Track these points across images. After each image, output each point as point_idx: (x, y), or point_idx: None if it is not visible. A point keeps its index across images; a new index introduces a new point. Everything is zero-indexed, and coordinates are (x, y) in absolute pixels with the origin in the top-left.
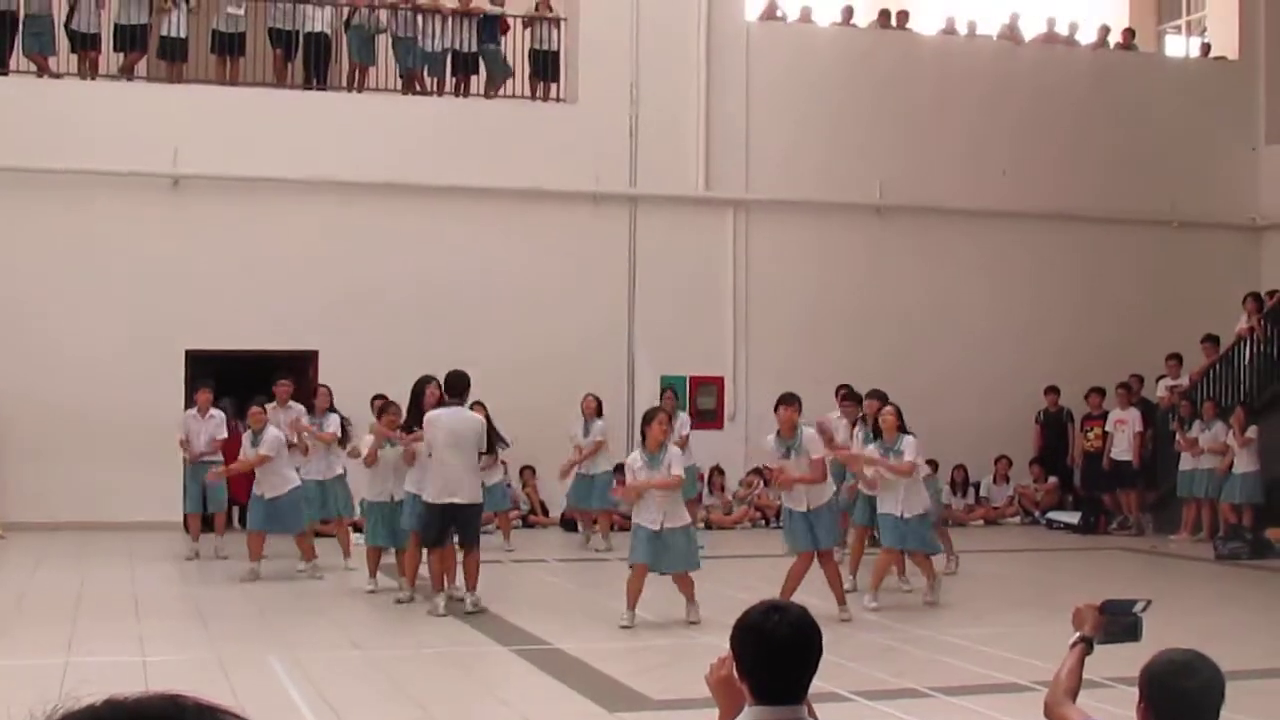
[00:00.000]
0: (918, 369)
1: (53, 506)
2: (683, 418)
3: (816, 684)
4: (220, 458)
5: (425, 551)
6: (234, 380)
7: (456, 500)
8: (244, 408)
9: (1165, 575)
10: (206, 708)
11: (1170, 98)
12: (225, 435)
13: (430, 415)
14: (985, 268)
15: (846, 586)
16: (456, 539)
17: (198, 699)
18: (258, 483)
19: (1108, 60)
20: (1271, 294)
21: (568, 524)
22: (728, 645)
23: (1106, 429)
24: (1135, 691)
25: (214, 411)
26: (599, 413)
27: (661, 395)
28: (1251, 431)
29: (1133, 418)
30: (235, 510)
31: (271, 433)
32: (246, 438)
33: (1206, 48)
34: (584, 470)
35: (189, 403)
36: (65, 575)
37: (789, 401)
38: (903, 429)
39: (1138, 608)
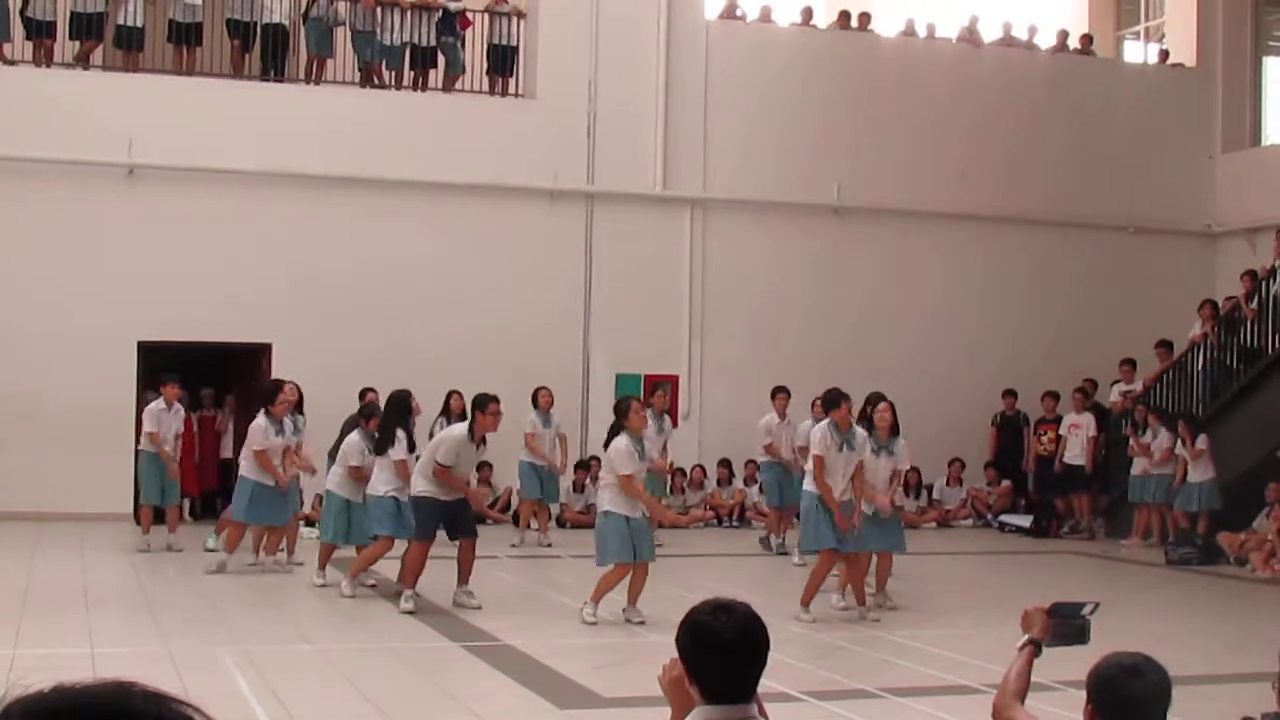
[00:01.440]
0: (872, 370)
1: (2, 497)
2: (668, 423)
3: (766, 683)
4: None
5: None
6: (186, 372)
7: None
8: (219, 399)
9: (1116, 580)
10: (154, 695)
11: (1128, 104)
12: (182, 428)
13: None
14: (942, 269)
15: (825, 588)
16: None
17: (145, 686)
18: (248, 467)
19: (1066, 65)
20: (1230, 299)
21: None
22: (675, 645)
23: (1060, 433)
24: (1083, 694)
25: (178, 406)
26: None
27: (653, 394)
28: (1201, 442)
29: (1086, 422)
30: (187, 504)
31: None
32: (266, 424)
33: (1165, 54)
34: (539, 461)
35: (141, 393)
36: (14, 566)
37: (844, 399)
38: (897, 429)
39: (1086, 611)
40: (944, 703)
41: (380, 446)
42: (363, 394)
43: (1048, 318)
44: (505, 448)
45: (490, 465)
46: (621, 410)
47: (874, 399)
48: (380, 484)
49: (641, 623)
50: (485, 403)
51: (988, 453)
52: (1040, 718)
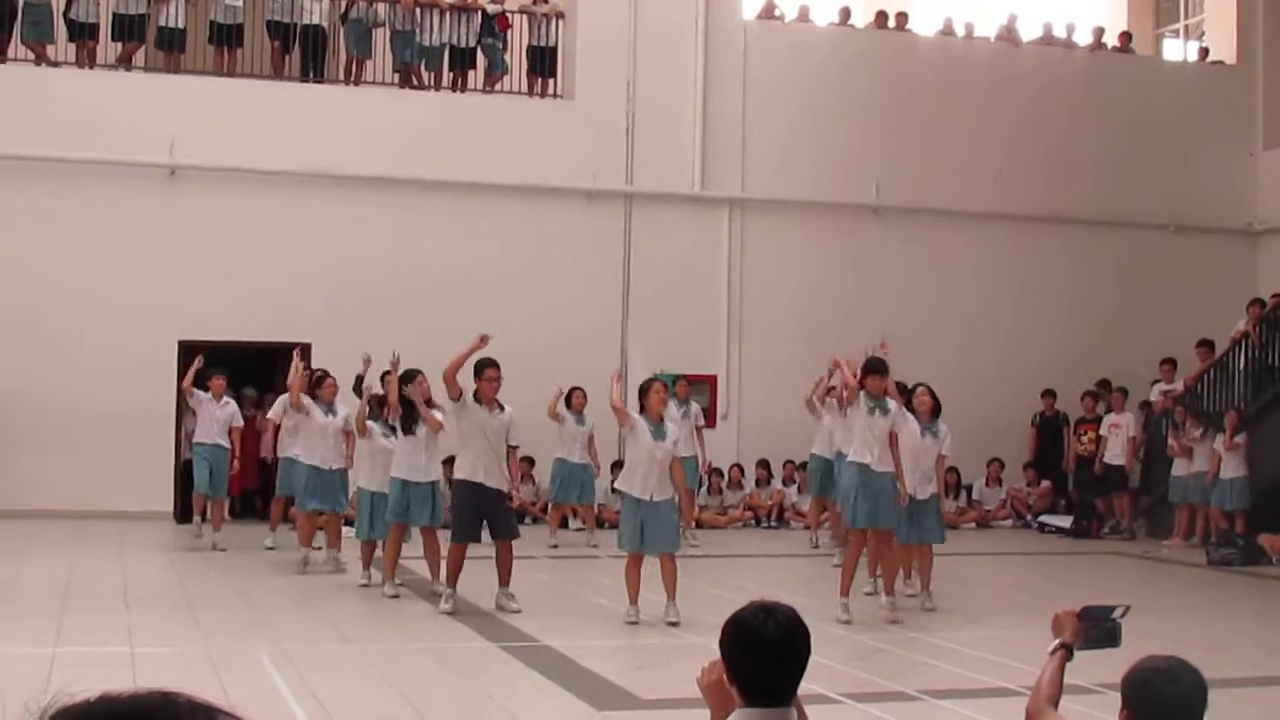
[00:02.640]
0: (911, 370)
1: (43, 495)
2: (696, 408)
3: (805, 686)
4: (228, 444)
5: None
6: (227, 371)
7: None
8: (259, 399)
9: (1157, 581)
10: (201, 706)
11: (1167, 101)
12: (241, 424)
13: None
14: (981, 269)
15: (867, 589)
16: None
17: (191, 697)
18: (309, 452)
19: (1105, 63)
20: (1275, 296)
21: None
22: (718, 646)
23: (1101, 433)
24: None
25: (227, 399)
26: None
27: (674, 384)
28: (1240, 437)
29: (1127, 422)
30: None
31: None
32: (310, 403)
33: (1204, 52)
34: (574, 459)
35: (181, 393)
36: (54, 564)
37: (881, 370)
38: (938, 411)
39: (1117, 614)
40: (983, 705)
41: (407, 426)
42: (382, 377)
43: (1087, 317)
44: (542, 444)
45: (531, 460)
46: (641, 390)
47: (914, 387)
48: (393, 467)
49: (675, 624)
50: (482, 368)
51: (1027, 453)
52: None
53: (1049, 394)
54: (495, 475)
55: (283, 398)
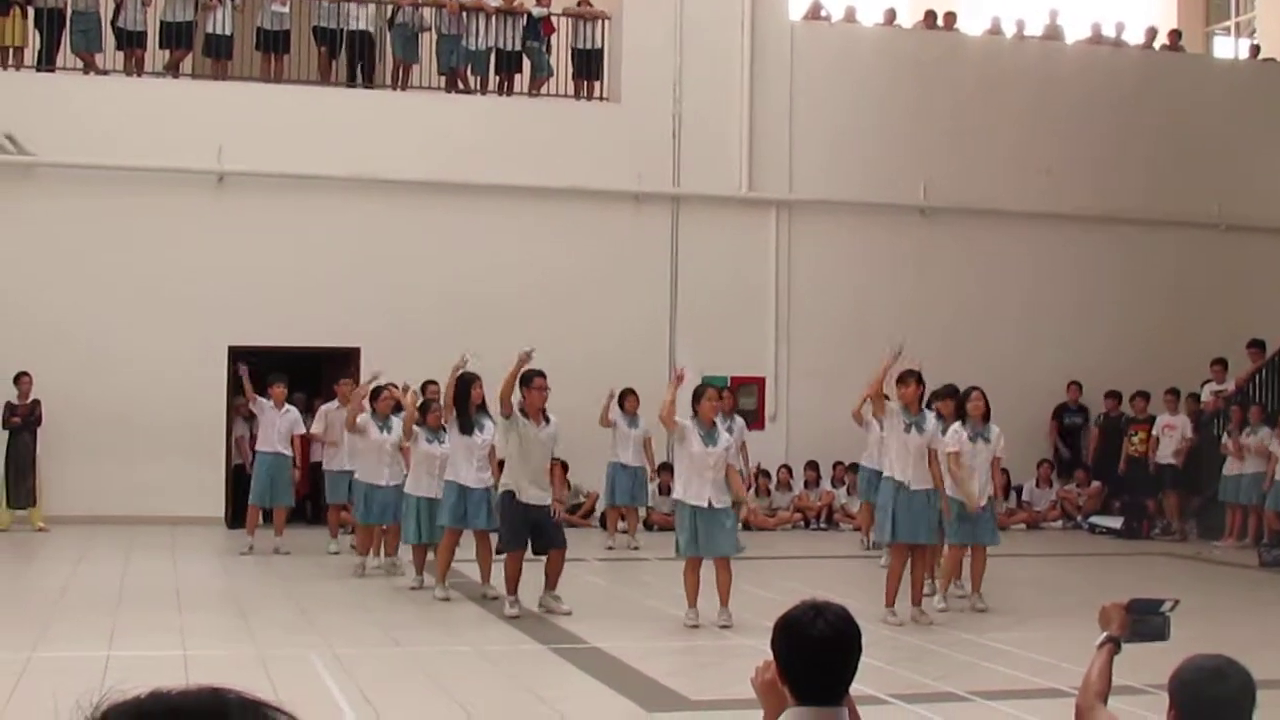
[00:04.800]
0: (961, 371)
1: (96, 501)
2: (740, 422)
3: (855, 686)
4: (290, 453)
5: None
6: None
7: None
8: (309, 404)
9: (1207, 581)
10: (250, 702)
11: (1218, 100)
12: (303, 430)
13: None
14: (1030, 269)
15: (925, 591)
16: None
17: (241, 693)
18: (364, 469)
19: (1154, 61)
20: None
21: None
22: (769, 647)
23: (1154, 433)
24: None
25: (288, 406)
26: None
27: (720, 394)
28: None
29: (1182, 424)
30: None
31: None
32: (367, 420)
33: (1255, 49)
34: (626, 462)
35: (232, 398)
36: (107, 569)
37: (905, 379)
38: (988, 415)
39: (1165, 607)
40: (1033, 706)
41: (465, 428)
42: (424, 386)
43: (1137, 317)
44: (590, 449)
45: (565, 464)
46: (695, 395)
47: (967, 391)
48: (449, 471)
49: (727, 626)
50: (530, 378)
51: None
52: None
53: (1077, 388)
54: (540, 491)
55: (323, 409)
